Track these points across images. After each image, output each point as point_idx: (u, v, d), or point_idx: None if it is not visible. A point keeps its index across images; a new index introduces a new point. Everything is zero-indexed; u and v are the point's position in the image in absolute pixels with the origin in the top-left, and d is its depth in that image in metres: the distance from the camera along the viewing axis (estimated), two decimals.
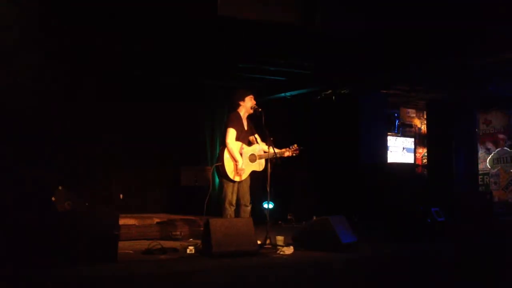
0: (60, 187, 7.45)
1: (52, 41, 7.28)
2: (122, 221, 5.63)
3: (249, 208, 6.20)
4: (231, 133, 6.06)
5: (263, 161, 6.15)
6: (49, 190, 7.43)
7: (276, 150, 6.04)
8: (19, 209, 5.99)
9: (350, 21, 7.27)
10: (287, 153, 6.17)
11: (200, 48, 7.90)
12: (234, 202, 6.10)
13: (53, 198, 7.30)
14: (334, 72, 9.15)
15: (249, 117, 6.35)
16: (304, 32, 7.28)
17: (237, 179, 6.04)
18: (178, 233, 6.59)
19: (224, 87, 9.96)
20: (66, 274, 3.88)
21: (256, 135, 6.26)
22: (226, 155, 6.04)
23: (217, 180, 9.95)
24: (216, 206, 7.29)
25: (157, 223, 7.05)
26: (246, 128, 6.23)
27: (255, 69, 9.16)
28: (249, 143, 6.23)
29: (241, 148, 6.10)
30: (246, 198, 6.19)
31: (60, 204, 7.34)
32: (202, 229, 5.47)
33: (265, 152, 6.15)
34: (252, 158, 6.14)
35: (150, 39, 7.54)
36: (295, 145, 6.21)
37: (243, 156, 6.08)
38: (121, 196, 9.03)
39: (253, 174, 6.25)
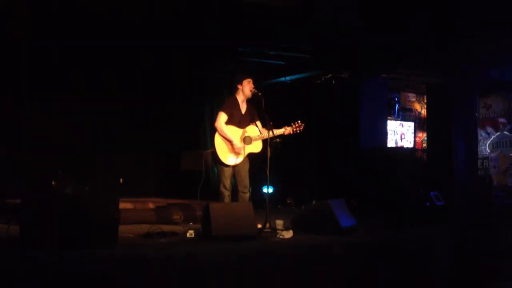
0: (60, 171, 7.46)
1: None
2: (122, 205, 5.64)
3: (247, 195, 6.15)
4: (221, 117, 6.04)
5: (259, 142, 6.11)
6: (49, 174, 7.44)
7: (275, 130, 6.00)
8: (19, 194, 6.00)
9: (349, 4, 7.24)
10: (287, 130, 6.09)
11: (200, 32, 7.87)
12: (228, 186, 6.07)
13: (53, 182, 7.32)
14: (334, 56, 9.12)
15: (250, 102, 6.30)
16: (304, 16, 7.26)
17: (230, 162, 6.02)
18: (177, 217, 6.60)
19: (224, 71, 9.94)
20: (66, 257, 3.89)
21: (258, 122, 6.20)
22: (217, 139, 6.03)
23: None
24: (213, 191, 7.31)
25: (157, 207, 7.07)
26: (244, 112, 6.19)
27: (255, 53, 9.14)
28: (245, 126, 6.17)
29: (235, 131, 6.08)
30: (244, 184, 6.14)
31: (60, 188, 7.35)
32: (201, 213, 5.48)
33: (261, 133, 6.09)
34: (248, 140, 6.10)
35: (149, 24, 7.52)
36: (299, 121, 6.15)
37: (236, 138, 6.05)
38: (121, 180, 9.05)
39: (252, 159, 6.23)
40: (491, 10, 6.89)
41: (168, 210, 6.81)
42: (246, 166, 6.18)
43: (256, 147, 6.11)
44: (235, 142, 5.97)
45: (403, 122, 12.39)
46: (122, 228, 5.15)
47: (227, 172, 6.05)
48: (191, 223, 6.47)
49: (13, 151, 8.12)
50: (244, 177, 6.15)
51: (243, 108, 6.20)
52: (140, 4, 6.78)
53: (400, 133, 12.27)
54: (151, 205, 7.17)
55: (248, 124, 6.16)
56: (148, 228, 5.38)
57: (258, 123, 6.21)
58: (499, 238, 6.89)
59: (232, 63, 9.57)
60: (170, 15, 7.11)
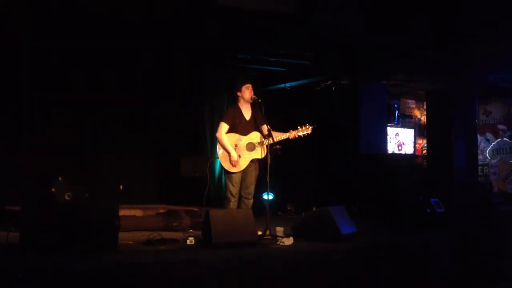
0: (60, 178, 7.46)
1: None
2: (122, 212, 5.65)
3: (251, 201, 6.12)
4: (222, 127, 6.03)
5: (264, 148, 6.08)
6: (49, 181, 7.44)
7: (280, 134, 5.97)
8: (19, 200, 6.00)
9: (348, 11, 7.26)
10: (293, 134, 6.02)
11: (200, 38, 7.89)
12: (235, 193, 6.05)
13: (53, 189, 7.32)
14: (334, 60, 9.13)
15: (255, 106, 6.25)
16: (304, 23, 7.27)
17: (234, 170, 6.01)
18: (178, 224, 6.59)
19: (224, 77, 9.96)
20: (66, 265, 3.88)
21: (264, 126, 6.14)
22: (220, 148, 6.04)
23: (217, 171, 10.01)
24: (216, 198, 7.30)
25: (157, 214, 7.06)
26: (248, 118, 6.15)
27: (255, 59, 9.15)
28: (249, 132, 6.13)
29: (237, 139, 6.07)
30: (248, 191, 6.12)
31: (60, 195, 7.35)
32: (202, 220, 5.47)
33: (264, 138, 6.06)
34: (250, 146, 6.07)
35: (149, 28, 7.53)
36: (307, 124, 6.05)
37: (239, 147, 6.02)
38: (121, 187, 9.04)
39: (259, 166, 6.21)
40: (491, 11, 6.91)
41: (169, 216, 6.79)
42: (254, 174, 6.15)
43: (259, 153, 6.06)
44: (232, 155, 5.96)
45: (400, 131, 12.35)
46: (122, 235, 5.14)
47: (233, 179, 6.03)
48: (191, 230, 6.45)
49: (12, 153, 8.10)
50: (250, 184, 6.13)
51: (247, 114, 6.17)
52: (140, 4, 6.78)
53: (397, 143, 12.24)
54: (152, 212, 7.17)
55: (253, 130, 6.12)
56: (148, 235, 5.36)
57: (265, 127, 6.14)
58: (499, 243, 6.90)
59: (232, 70, 9.58)
60: (170, 17, 7.11)
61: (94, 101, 8.78)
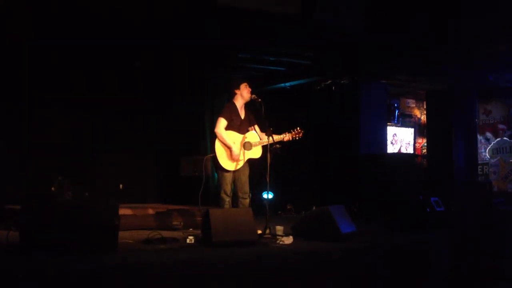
0: (59, 177, 7.46)
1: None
2: (121, 211, 5.62)
3: (247, 200, 6.16)
4: (221, 122, 6.07)
5: (259, 148, 6.13)
6: (49, 180, 7.44)
7: (275, 136, 6.01)
8: (19, 199, 6.00)
9: (348, 11, 7.26)
10: (287, 137, 6.11)
11: (200, 38, 7.89)
12: (229, 192, 6.08)
13: (52, 188, 7.31)
14: (334, 63, 9.14)
15: (249, 107, 6.32)
16: (304, 23, 7.28)
17: (231, 168, 6.03)
18: (177, 223, 6.59)
19: (224, 77, 9.96)
20: (66, 265, 3.88)
21: (256, 126, 6.24)
22: (217, 145, 6.04)
23: None
24: (213, 197, 7.30)
25: (157, 213, 7.06)
26: (243, 117, 6.21)
27: (255, 59, 9.15)
28: (245, 132, 6.18)
29: (235, 137, 6.09)
30: (244, 190, 6.15)
31: (60, 195, 7.35)
32: (201, 219, 5.47)
33: (261, 139, 6.11)
34: (247, 145, 6.11)
35: (149, 28, 7.53)
36: (298, 128, 6.17)
37: (236, 145, 6.07)
38: (121, 186, 9.04)
39: (252, 165, 6.24)
40: (491, 11, 6.91)
41: (168, 216, 6.79)
42: (247, 172, 6.19)
43: (255, 152, 6.12)
44: (234, 149, 5.99)
45: (397, 132, 12.32)
46: (122, 234, 5.14)
47: (228, 178, 6.06)
48: (191, 229, 6.46)
49: (12, 154, 8.10)
50: (244, 183, 6.16)
51: (242, 113, 6.23)
52: (140, 4, 6.79)
53: (395, 142, 12.22)
54: (151, 211, 7.17)
55: (248, 130, 6.17)
56: (148, 234, 5.37)
57: (257, 128, 6.22)
58: (499, 243, 6.90)
59: (232, 69, 9.59)
60: (170, 17, 7.12)
61: (94, 101, 8.78)
